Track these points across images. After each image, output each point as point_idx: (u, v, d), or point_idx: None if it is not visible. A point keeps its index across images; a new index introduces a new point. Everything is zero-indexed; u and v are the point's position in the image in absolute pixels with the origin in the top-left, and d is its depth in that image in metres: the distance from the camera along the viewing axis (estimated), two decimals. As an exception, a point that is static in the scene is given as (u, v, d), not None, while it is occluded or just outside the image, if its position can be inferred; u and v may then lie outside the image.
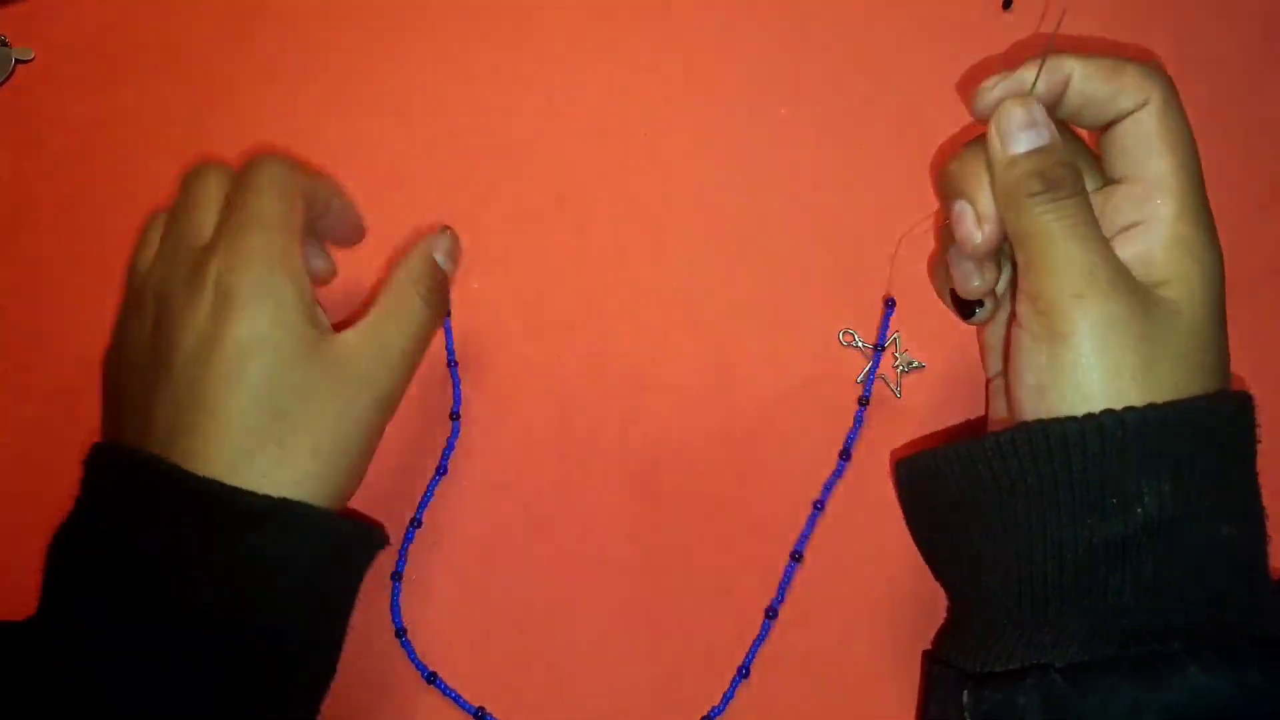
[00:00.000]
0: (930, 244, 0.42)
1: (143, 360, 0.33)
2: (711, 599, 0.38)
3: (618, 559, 0.39)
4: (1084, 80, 0.31)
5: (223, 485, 0.30)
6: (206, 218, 0.33)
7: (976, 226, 0.31)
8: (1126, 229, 0.30)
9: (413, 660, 0.37)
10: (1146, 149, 0.30)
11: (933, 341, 0.42)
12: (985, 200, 0.31)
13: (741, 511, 0.39)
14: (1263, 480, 0.29)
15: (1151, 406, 0.27)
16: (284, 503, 0.30)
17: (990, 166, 0.31)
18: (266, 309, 0.31)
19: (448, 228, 0.39)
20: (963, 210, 0.32)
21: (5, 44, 0.48)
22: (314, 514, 0.31)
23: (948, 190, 0.33)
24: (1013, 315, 0.31)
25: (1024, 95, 0.31)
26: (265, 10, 0.49)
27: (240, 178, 0.34)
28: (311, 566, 0.31)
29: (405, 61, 0.48)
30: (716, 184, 0.45)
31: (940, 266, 0.36)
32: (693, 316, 0.43)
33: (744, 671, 0.37)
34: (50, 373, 0.42)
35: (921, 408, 0.41)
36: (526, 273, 0.44)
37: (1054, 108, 0.32)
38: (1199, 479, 0.27)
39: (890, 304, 0.41)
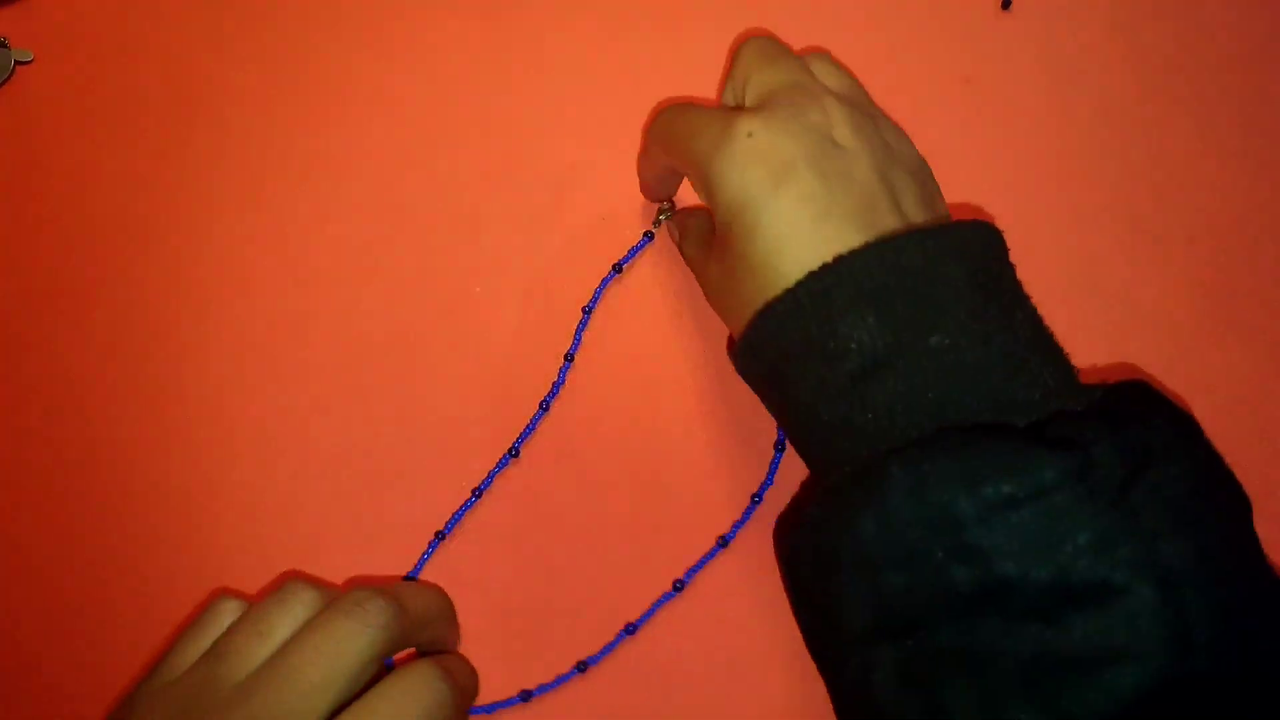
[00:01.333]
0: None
1: None
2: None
3: (617, 559, 0.39)
4: None
5: None
6: (257, 653, 0.28)
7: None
8: None
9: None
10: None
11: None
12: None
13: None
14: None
15: (840, 258, 0.29)
16: None
17: None
18: None
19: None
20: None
21: (5, 44, 0.48)
22: None
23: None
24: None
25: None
26: (265, 10, 0.49)
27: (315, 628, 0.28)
28: None
29: (404, 62, 0.48)
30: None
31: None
32: (691, 315, 0.43)
33: (724, 542, 0.37)
34: (50, 373, 0.42)
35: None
36: (524, 275, 0.44)
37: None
38: (899, 308, 0.29)
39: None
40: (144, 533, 0.40)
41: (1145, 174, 0.45)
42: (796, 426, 0.32)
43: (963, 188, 0.45)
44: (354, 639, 0.27)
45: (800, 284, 0.29)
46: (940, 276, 0.30)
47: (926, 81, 0.47)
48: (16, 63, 0.47)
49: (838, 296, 0.29)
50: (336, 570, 0.39)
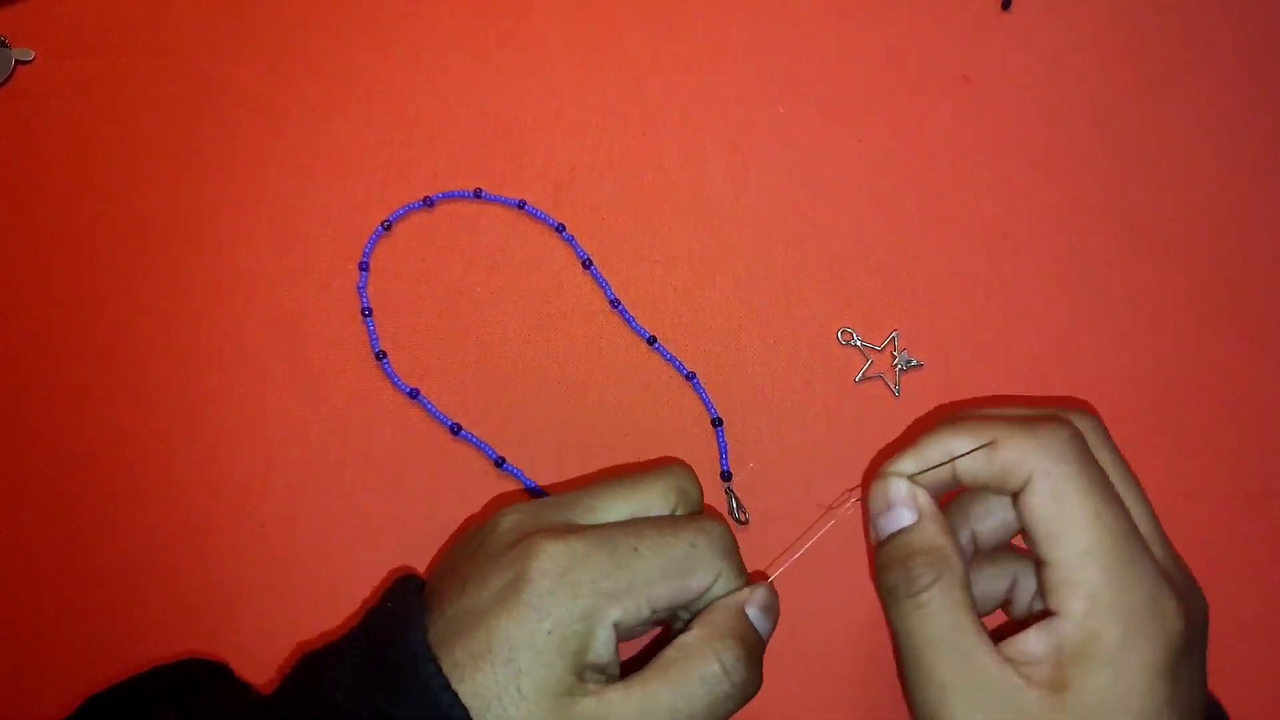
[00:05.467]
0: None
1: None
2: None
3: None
4: (965, 466, 0.30)
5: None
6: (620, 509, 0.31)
7: None
8: (1044, 618, 0.28)
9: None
10: (1044, 532, 0.28)
11: (931, 341, 0.42)
12: None
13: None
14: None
15: None
16: None
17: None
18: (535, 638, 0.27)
19: (767, 580, 0.32)
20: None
21: (5, 44, 0.48)
22: None
23: None
24: None
25: (893, 473, 0.30)
26: (266, 9, 0.49)
27: (680, 524, 0.31)
28: None
29: (407, 60, 0.48)
30: (713, 181, 0.45)
31: None
32: (693, 311, 0.43)
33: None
34: (50, 372, 0.42)
35: (919, 406, 0.41)
36: (527, 267, 0.44)
37: (951, 482, 0.31)
38: None
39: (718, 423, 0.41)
40: (145, 530, 0.40)
41: (1144, 173, 0.45)
42: None
43: (962, 186, 0.45)
44: (686, 552, 0.30)
45: None
46: None
47: (926, 80, 0.47)
48: (17, 62, 0.47)
49: None
50: (336, 567, 0.39)
